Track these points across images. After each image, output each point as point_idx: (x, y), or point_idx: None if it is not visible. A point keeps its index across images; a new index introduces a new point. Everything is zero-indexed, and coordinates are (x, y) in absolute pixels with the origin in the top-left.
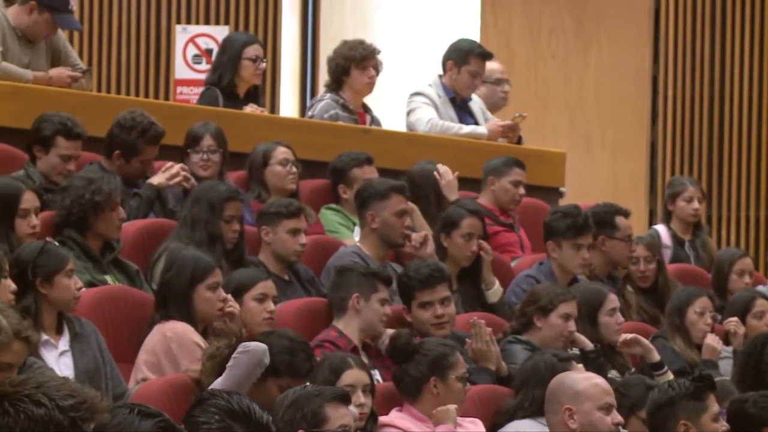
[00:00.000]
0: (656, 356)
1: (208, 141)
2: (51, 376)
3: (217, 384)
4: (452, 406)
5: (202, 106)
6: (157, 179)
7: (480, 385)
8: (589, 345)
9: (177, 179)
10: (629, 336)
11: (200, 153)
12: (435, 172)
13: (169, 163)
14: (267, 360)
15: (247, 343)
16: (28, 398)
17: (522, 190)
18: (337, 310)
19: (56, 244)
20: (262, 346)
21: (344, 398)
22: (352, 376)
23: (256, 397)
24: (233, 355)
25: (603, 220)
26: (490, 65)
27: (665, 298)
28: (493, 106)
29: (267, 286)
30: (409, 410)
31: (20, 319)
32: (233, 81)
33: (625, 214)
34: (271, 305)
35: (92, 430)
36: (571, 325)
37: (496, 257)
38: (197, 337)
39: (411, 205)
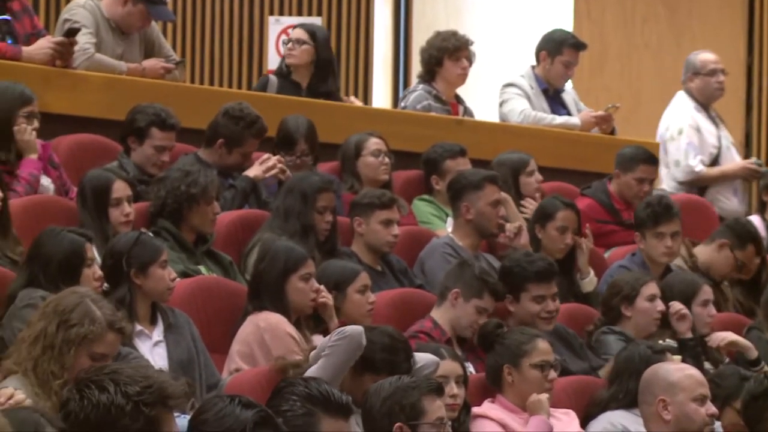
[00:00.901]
0: (754, 353)
1: (302, 146)
2: (130, 364)
3: (313, 372)
4: (543, 396)
5: (296, 97)
6: (253, 171)
7: (573, 376)
8: (688, 333)
9: (273, 171)
10: (726, 340)
11: (294, 156)
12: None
13: (266, 155)
14: (364, 341)
15: (342, 328)
16: (95, 384)
17: (647, 187)
18: (440, 297)
19: (151, 235)
20: (358, 327)
21: (439, 390)
22: (446, 367)
23: (350, 390)
24: (329, 344)
25: None
26: (705, 56)
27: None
28: (709, 97)
29: (366, 278)
30: (501, 401)
31: (114, 310)
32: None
33: None
34: (371, 296)
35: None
36: (659, 305)
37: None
38: (290, 328)
39: (504, 195)
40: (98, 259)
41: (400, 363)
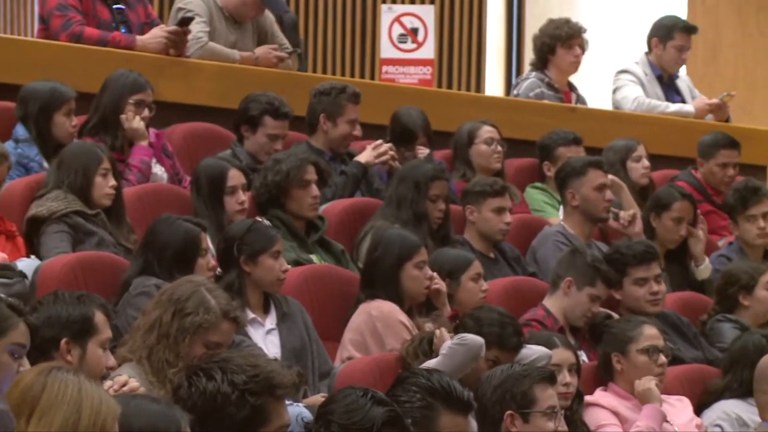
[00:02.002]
0: None
1: (421, 139)
2: (241, 353)
3: (429, 366)
4: (652, 383)
5: (408, 84)
6: (364, 157)
7: (687, 365)
8: None
9: (384, 158)
10: None
11: (413, 151)
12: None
13: (379, 141)
14: (483, 353)
15: (464, 335)
16: (204, 372)
17: (731, 171)
18: (552, 286)
19: (267, 223)
20: (479, 340)
21: (551, 379)
22: (558, 355)
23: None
24: (449, 345)
25: None
26: None
27: None
28: None
29: (479, 266)
30: (613, 389)
31: (228, 299)
32: None
33: None
34: (484, 284)
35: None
36: None
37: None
38: (402, 316)
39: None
40: (212, 248)
41: (508, 336)
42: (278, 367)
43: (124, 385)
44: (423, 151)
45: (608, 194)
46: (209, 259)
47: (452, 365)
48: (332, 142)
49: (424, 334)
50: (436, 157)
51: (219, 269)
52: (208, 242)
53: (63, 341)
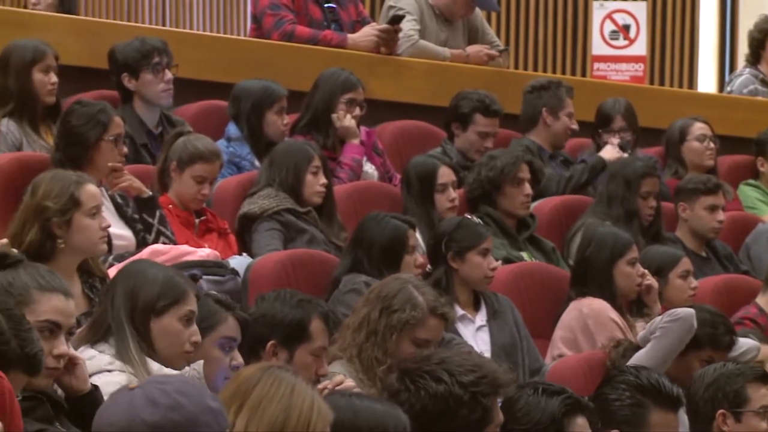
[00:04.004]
0: None
1: (619, 122)
2: (454, 351)
3: (642, 355)
4: None
5: (619, 81)
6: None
7: None
8: None
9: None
10: None
11: (611, 133)
12: None
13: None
14: (695, 323)
15: (674, 310)
16: (429, 374)
17: None
18: (765, 283)
19: (477, 221)
20: (690, 310)
21: (765, 378)
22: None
23: (676, 371)
24: (660, 325)
25: None
26: None
27: None
28: None
29: (688, 263)
30: None
31: (436, 296)
32: None
33: None
34: (694, 282)
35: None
36: None
37: None
38: (613, 314)
39: None
40: (422, 245)
41: (721, 336)
42: (497, 366)
43: (339, 384)
44: (615, 139)
45: None
46: (417, 257)
47: (669, 344)
48: (555, 136)
49: (629, 344)
50: (648, 153)
51: (429, 266)
52: (417, 239)
53: (270, 343)
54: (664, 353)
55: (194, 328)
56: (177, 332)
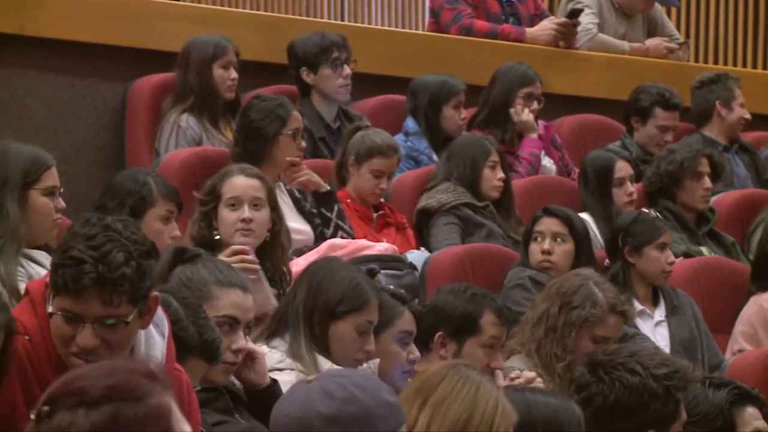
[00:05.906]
0: None
1: None
2: (643, 345)
3: None
4: None
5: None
6: None
7: None
8: None
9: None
10: None
11: None
12: None
13: None
14: None
15: None
16: (622, 366)
17: None
18: None
19: (655, 215)
20: None
21: None
22: None
23: None
24: None
25: None
26: None
27: None
28: None
29: None
30: None
31: (616, 293)
32: None
33: None
34: None
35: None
36: None
37: None
38: None
39: None
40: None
41: None
42: (686, 362)
43: (531, 381)
44: None
45: None
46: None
47: None
48: (730, 128)
49: None
50: None
51: (607, 261)
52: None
53: (438, 334)
54: None
55: (370, 338)
56: (350, 340)
